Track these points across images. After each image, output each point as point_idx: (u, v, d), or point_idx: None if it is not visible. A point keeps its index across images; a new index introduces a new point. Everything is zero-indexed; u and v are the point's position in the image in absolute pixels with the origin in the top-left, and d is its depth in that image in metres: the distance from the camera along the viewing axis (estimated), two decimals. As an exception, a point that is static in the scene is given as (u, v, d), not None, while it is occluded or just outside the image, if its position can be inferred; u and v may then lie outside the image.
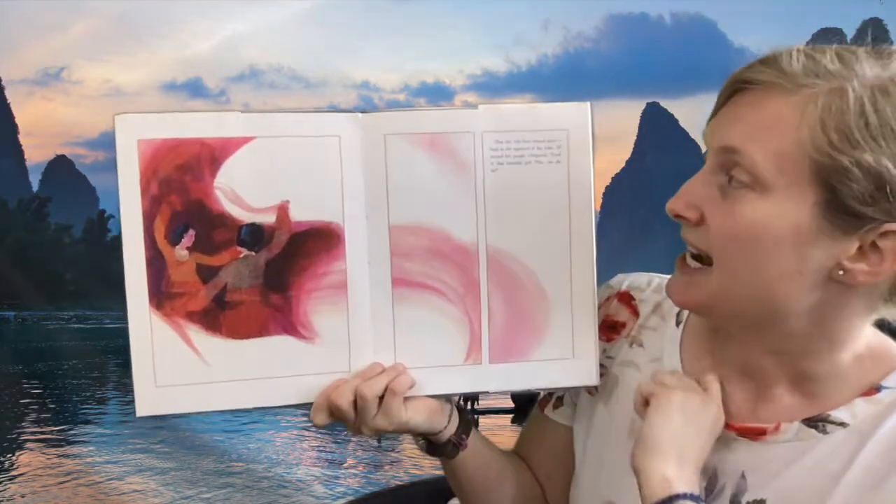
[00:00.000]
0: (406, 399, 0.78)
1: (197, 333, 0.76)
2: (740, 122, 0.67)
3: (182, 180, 0.74)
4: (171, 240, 0.75)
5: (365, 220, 0.78)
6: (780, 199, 0.65)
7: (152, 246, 0.75)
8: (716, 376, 0.76)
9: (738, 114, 0.67)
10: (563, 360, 0.81)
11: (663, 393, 0.72)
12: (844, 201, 0.63)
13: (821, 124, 0.63)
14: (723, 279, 0.68)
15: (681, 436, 0.70)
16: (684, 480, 0.67)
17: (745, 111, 0.67)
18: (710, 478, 0.74)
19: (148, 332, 0.75)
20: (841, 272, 0.65)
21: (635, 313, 0.85)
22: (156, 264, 0.75)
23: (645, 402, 0.73)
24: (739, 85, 0.68)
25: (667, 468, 0.68)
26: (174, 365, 0.75)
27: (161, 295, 0.75)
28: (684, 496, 0.66)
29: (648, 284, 0.86)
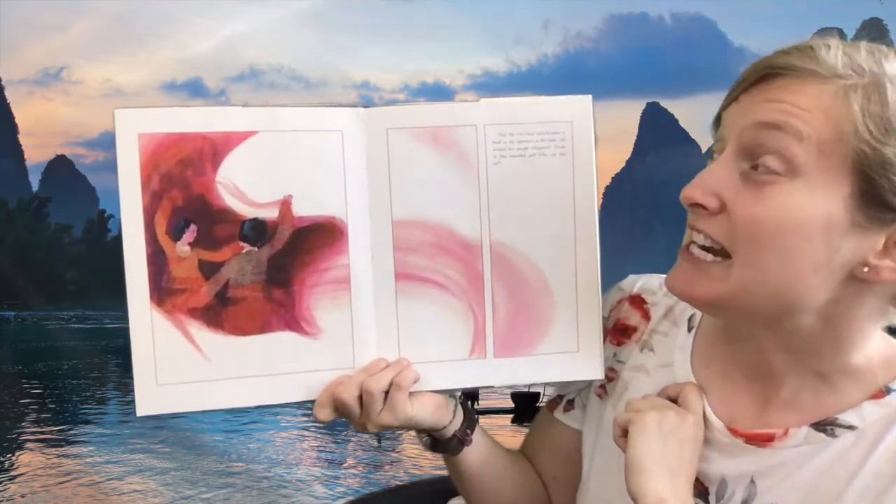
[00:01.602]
0: (411, 394, 0.77)
1: (199, 330, 0.75)
2: (777, 102, 0.64)
3: (183, 175, 0.74)
4: (172, 235, 0.74)
5: (368, 214, 0.77)
6: (813, 186, 0.63)
7: (153, 242, 0.74)
8: (695, 385, 0.76)
9: (771, 96, 0.65)
10: (567, 353, 0.80)
11: (638, 418, 0.72)
12: (882, 194, 0.62)
13: (862, 115, 0.62)
14: (745, 273, 0.66)
15: (664, 453, 0.70)
16: (679, 498, 0.68)
17: (780, 94, 0.64)
18: (720, 485, 0.73)
19: (149, 329, 0.74)
20: (865, 269, 0.64)
21: (646, 317, 0.84)
22: (157, 260, 0.74)
23: (623, 433, 0.73)
24: (770, 70, 0.65)
25: (660, 487, 0.68)
26: (176, 362, 0.74)
27: (162, 291, 0.74)
28: None
29: (660, 287, 0.85)
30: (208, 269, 0.75)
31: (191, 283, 0.75)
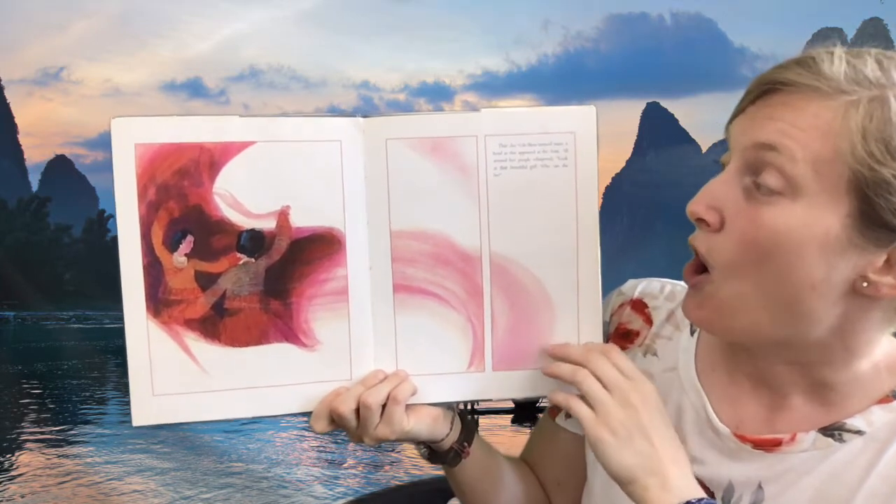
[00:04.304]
0: (408, 407, 0.76)
1: (195, 341, 0.74)
2: (777, 120, 0.63)
3: (180, 185, 0.73)
4: (168, 246, 0.73)
5: (366, 225, 0.76)
6: (811, 206, 0.62)
7: (149, 252, 0.73)
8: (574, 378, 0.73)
9: (771, 113, 0.64)
10: None
11: (591, 436, 0.69)
12: (880, 214, 0.61)
13: (862, 134, 0.60)
14: (730, 288, 0.66)
15: (636, 454, 0.68)
16: (669, 487, 0.66)
17: (781, 111, 0.63)
18: (726, 489, 0.72)
19: (145, 340, 0.73)
20: (865, 284, 0.63)
21: (648, 321, 0.84)
22: (153, 271, 0.73)
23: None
24: (772, 85, 0.64)
25: (650, 485, 0.67)
26: (172, 374, 0.74)
27: (158, 302, 0.73)
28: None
29: (661, 291, 0.85)
30: (205, 281, 0.74)
31: (187, 294, 0.74)
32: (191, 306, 0.74)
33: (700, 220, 0.67)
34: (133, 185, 0.72)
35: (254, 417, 0.76)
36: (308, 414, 0.76)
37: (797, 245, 0.63)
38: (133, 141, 0.72)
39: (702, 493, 0.66)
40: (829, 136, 0.61)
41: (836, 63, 0.62)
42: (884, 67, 0.62)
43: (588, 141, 0.77)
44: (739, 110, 0.67)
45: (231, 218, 0.74)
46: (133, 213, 0.73)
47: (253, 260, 0.75)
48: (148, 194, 0.73)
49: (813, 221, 0.62)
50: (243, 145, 0.74)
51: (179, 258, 0.74)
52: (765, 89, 0.65)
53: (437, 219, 0.77)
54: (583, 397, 0.71)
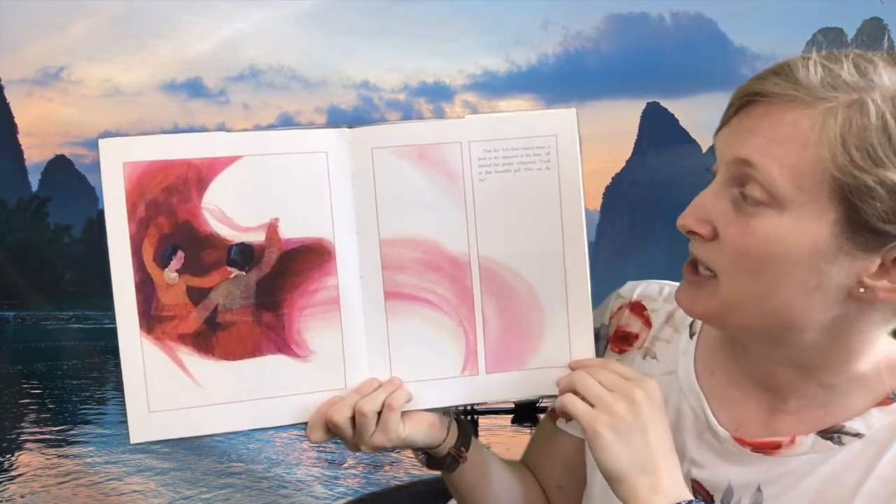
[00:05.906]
0: (404, 414, 0.77)
1: (189, 356, 0.75)
2: (755, 134, 0.63)
3: (169, 202, 0.74)
4: (159, 262, 0.74)
5: (355, 234, 0.77)
6: (798, 216, 0.62)
7: (141, 269, 0.74)
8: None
9: (751, 126, 0.64)
10: (560, 367, 0.80)
11: (590, 430, 0.69)
12: (867, 220, 0.61)
13: (841, 141, 0.60)
14: (731, 292, 0.67)
15: (630, 452, 0.67)
16: (661, 490, 0.66)
17: (760, 123, 0.63)
18: (725, 492, 0.73)
19: (139, 356, 0.74)
20: (862, 289, 0.63)
21: (648, 324, 0.84)
22: (145, 288, 0.74)
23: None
24: (751, 97, 0.64)
25: (639, 486, 0.67)
26: (167, 389, 0.74)
27: (151, 318, 0.74)
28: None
29: (660, 293, 0.85)
30: (197, 295, 0.75)
31: (180, 309, 0.74)
32: (183, 321, 0.74)
33: (692, 233, 0.68)
34: (122, 204, 0.73)
35: (250, 430, 0.77)
36: (304, 424, 0.77)
37: (788, 254, 0.63)
38: (121, 160, 0.73)
39: (689, 496, 0.66)
40: (809, 146, 0.61)
41: (812, 69, 0.62)
42: (861, 70, 0.62)
43: (570, 143, 0.77)
44: (724, 122, 0.68)
45: (220, 232, 0.75)
46: (123, 232, 0.73)
47: (244, 273, 0.75)
48: (137, 212, 0.73)
49: (801, 231, 0.62)
50: (230, 160, 0.74)
51: (171, 274, 0.74)
52: (745, 101, 0.65)
53: (426, 225, 0.77)
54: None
